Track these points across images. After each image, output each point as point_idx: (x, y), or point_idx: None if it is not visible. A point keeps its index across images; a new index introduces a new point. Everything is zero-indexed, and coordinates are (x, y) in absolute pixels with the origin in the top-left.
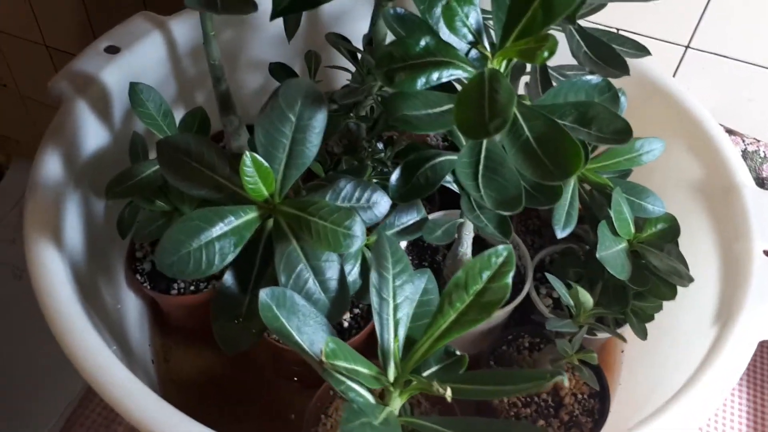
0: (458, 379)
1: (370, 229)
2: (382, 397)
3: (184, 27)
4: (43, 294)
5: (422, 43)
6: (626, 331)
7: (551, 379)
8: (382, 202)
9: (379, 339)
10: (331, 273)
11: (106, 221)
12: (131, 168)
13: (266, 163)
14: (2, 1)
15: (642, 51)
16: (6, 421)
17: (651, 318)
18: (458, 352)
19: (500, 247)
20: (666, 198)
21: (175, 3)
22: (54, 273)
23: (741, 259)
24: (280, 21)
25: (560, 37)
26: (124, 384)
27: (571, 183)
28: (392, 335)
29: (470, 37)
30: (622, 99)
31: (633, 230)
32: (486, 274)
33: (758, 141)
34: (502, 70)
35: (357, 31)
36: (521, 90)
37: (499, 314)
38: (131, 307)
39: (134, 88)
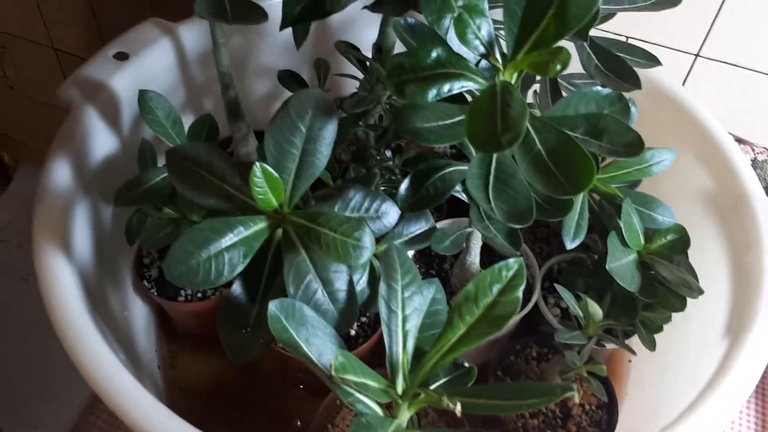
0: (467, 392)
1: (378, 239)
2: (390, 408)
3: (194, 34)
4: (51, 301)
5: (434, 54)
6: (634, 340)
7: (561, 395)
8: (391, 213)
9: (388, 351)
10: (340, 284)
11: (114, 228)
12: (140, 175)
13: (276, 174)
14: (9, 3)
15: (652, 61)
16: (10, 426)
17: (660, 329)
18: (467, 364)
19: (511, 260)
20: (675, 208)
21: (183, 5)
22: (62, 280)
23: (752, 270)
24: (289, 29)
25: (570, 47)
26: (130, 393)
27: (581, 194)
28: (401, 347)
29: (482, 49)
30: (633, 110)
31: (643, 241)
32: (496, 288)
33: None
34: (513, 81)
35: (365, 39)
36: (529, 98)
37: (507, 324)
38: (138, 313)
39: (143, 96)
